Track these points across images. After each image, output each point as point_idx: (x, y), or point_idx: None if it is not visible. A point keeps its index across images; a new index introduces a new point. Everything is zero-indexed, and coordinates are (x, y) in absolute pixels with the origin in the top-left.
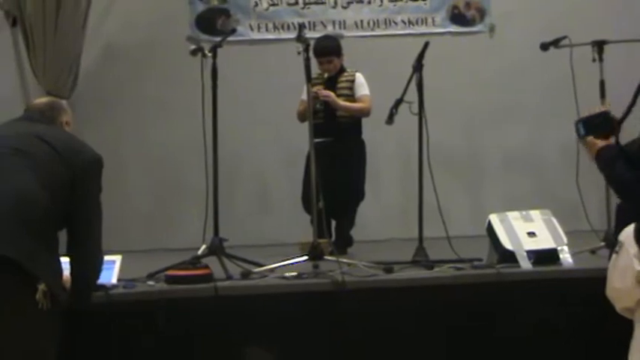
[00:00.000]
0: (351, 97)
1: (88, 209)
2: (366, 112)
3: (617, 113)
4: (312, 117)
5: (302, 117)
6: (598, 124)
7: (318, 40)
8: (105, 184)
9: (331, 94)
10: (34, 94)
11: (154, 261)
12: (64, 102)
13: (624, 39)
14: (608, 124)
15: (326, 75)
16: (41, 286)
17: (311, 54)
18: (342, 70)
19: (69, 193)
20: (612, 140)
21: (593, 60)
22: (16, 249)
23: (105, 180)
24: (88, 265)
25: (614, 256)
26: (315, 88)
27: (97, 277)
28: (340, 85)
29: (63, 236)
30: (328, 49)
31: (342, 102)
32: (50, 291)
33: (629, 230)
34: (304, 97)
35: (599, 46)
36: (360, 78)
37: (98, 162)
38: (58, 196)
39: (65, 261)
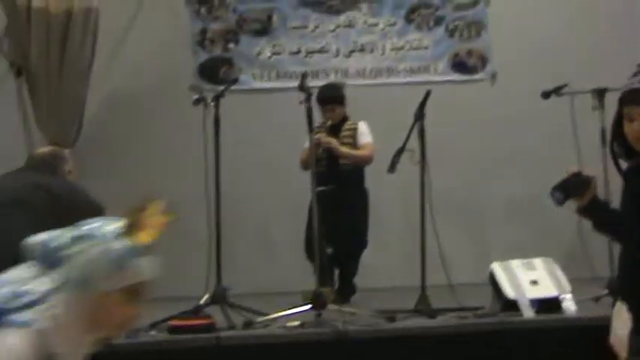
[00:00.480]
0: (354, 146)
1: None
2: (367, 160)
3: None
4: (315, 165)
5: (305, 165)
6: (575, 186)
7: (322, 88)
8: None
9: (333, 140)
10: (38, 143)
11: (157, 310)
12: (65, 151)
13: (625, 87)
14: (586, 183)
15: (329, 122)
16: None
17: (314, 102)
18: (345, 119)
19: None
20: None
21: (594, 108)
22: None
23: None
24: None
25: (618, 304)
26: (317, 135)
27: None
28: (343, 133)
29: None
30: (331, 97)
31: (343, 149)
32: None
33: None
34: (307, 145)
35: (600, 94)
36: (362, 126)
37: (99, 211)
38: None
39: None
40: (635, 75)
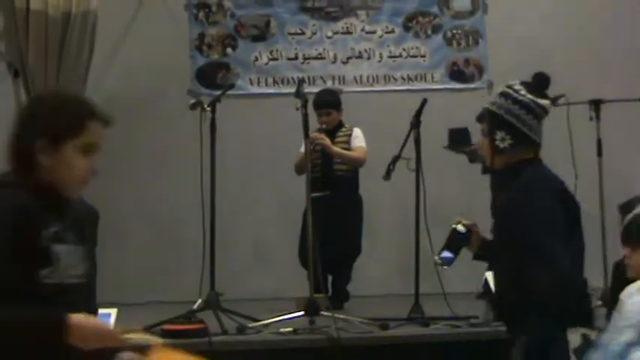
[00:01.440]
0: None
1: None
2: (359, 162)
3: (614, 172)
4: (310, 171)
5: (299, 169)
6: (459, 240)
7: (319, 93)
8: (102, 237)
9: (326, 138)
10: None
11: (151, 314)
12: None
13: (621, 98)
14: (464, 237)
15: (324, 126)
16: None
17: (310, 108)
18: (340, 125)
19: None
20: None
21: (590, 119)
22: None
23: (102, 233)
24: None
25: (615, 314)
26: (312, 134)
27: None
28: (338, 139)
29: None
30: (327, 102)
31: (336, 148)
32: None
33: (630, 289)
34: (302, 150)
35: (596, 104)
36: (357, 131)
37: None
38: None
39: None
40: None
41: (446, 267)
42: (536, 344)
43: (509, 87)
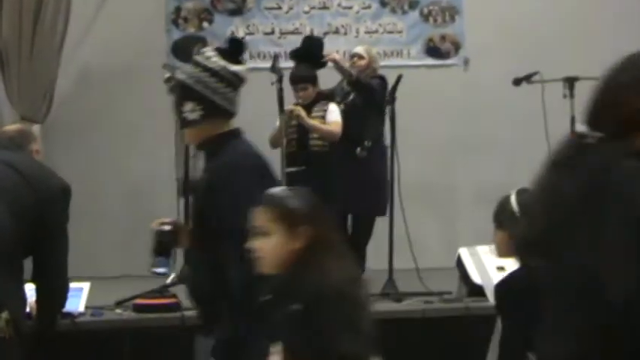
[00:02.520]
0: None
1: (54, 238)
2: (333, 135)
3: None
4: (285, 146)
5: (273, 143)
6: (164, 245)
7: (294, 67)
8: (77, 210)
9: (301, 110)
10: (8, 118)
11: (124, 288)
12: (34, 129)
13: (596, 76)
14: (170, 236)
15: (300, 101)
16: (4, 315)
17: (286, 83)
18: (316, 100)
19: (35, 220)
20: None
21: (564, 96)
22: None
23: (77, 206)
24: (53, 294)
25: None
26: (289, 107)
27: (63, 305)
28: (314, 114)
29: (28, 262)
30: (304, 77)
31: (311, 121)
32: (13, 319)
33: None
34: (278, 124)
35: (571, 82)
36: (332, 106)
37: (66, 191)
38: (24, 223)
39: (30, 287)
40: None
41: (163, 273)
42: (224, 344)
43: (200, 54)
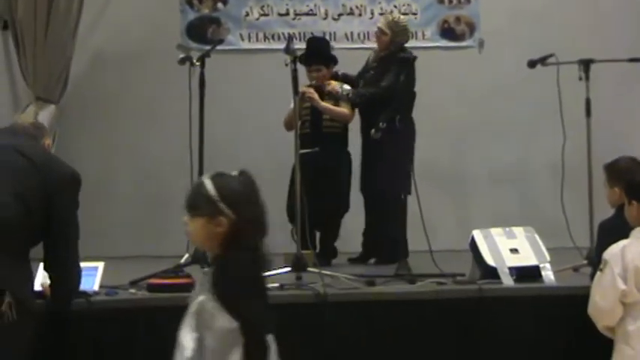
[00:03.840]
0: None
1: (64, 225)
2: (347, 118)
3: (603, 133)
4: (299, 128)
5: (288, 126)
6: None
7: (308, 47)
8: (90, 190)
9: (314, 92)
10: (24, 98)
11: (139, 268)
12: (50, 109)
13: (611, 58)
14: None
15: (314, 82)
16: (6, 299)
17: (300, 65)
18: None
19: (44, 206)
20: None
21: (580, 78)
22: None
23: (90, 186)
24: (64, 280)
25: (598, 274)
26: (302, 88)
27: (74, 290)
28: (328, 95)
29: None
30: (317, 57)
31: (323, 103)
32: (18, 301)
33: (614, 249)
34: (292, 106)
35: (586, 64)
36: (346, 88)
37: (75, 179)
38: (32, 208)
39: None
40: None
41: None
42: None
43: None
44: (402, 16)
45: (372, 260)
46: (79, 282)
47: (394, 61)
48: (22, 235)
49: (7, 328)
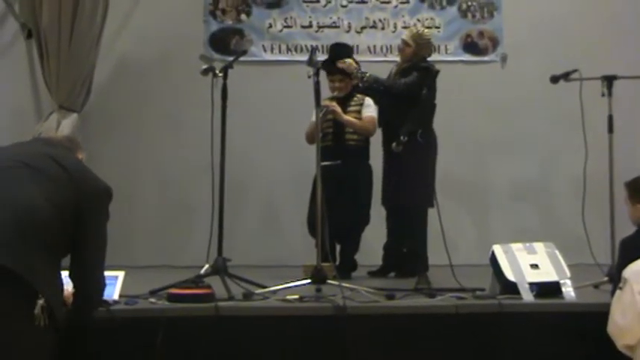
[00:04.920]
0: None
1: (93, 236)
2: (369, 132)
3: (625, 149)
4: (321, 140)
5: (310, 138)
6: None
7: (330, 57)
8: (113, 199)
9: (337, 106)
10: (47, 106)
11: (158, 278)
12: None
13: (634, 75)
14: None
15: (335, 93)
16: (40, 302)
17: (323, 76)
18: (352, 94)
19: (75, 215)
20: None
21: (603, 95)
22: (15, 259)
23: (114, 196)
24: (89, 292)
25: (617, 292)
26: (325, 102)
27: (98, 304)
28: (350, 108)
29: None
30: (340, 68)
31: (346, 116)
32: (49, 307)
33: (635, 267)
34: (313, 118)
35: (609, 81)
36: (368, 101)
37: (107, 192)
38: (64, 215)
39: (67, 275)
40: None
41: None
42: None
43: None
44: (426, 30)
45: (392, 274)
46: (102, 294)
47: (416, 69)
48: (56, 241)
49: (36, 332)
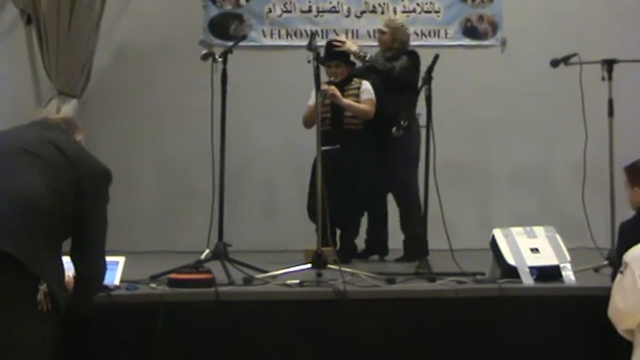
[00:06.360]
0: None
1: (94, 219)
2: (368, 114)
3: (625, 133)
4: (320, 125)
5: (307, 122)
6: None
7: (328, 43)
8: (113, 185)
9: (336, 90)
10: (47, 92)
11: (159, 263)
12: (72, 103)
13: (634, 59)
14: None
15: (332, 78)
16: (42, 287)
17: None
18: (350, 79)
19: (75, 199)
20: None
21: (603, 78)
22: (16, 246)
23: (114, 182)
24: (90, 275)
25: (618, 276)
26: (324, 87)
27: (99, 287)
28: (348, 92)
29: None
30: (337, 53)
31: (345, 100)
32: (51, 293)
33: (635, 250)
34: (310, 102)
35: (609, 64)
36: (366, 84)
37: (107, 175)
38: (64, 199)
39: (68, 261)
40: None
41: None
42: None
43: None
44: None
45: (395, 258)
46: (102, 275)
47: (404, 53)
48: (57, 226)
49: (38, 317)
